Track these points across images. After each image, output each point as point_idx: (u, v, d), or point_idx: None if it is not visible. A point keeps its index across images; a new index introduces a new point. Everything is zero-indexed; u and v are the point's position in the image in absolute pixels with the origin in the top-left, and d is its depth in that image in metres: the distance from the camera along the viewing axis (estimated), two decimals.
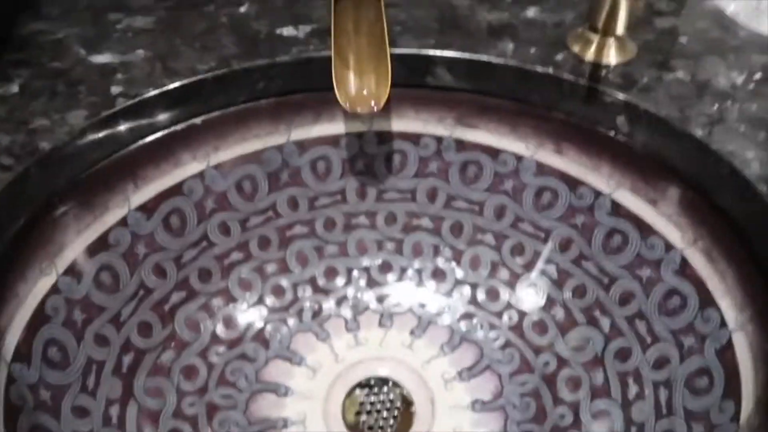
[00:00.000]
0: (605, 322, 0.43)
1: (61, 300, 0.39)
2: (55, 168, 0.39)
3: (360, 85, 0.39)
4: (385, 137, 0.48)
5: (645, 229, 0.42)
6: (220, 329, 0.46)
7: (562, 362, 0.44)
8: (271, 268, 0.48)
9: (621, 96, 0.40)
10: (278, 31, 0.47)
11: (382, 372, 0.46)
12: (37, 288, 0.38)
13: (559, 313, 0.46)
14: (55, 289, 0.39)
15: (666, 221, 0.41)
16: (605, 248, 0.44)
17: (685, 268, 0.40)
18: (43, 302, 0.38)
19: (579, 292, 0.45)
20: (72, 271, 0.40)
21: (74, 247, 0.40)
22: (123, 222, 0.43)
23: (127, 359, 0.42)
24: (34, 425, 0.34)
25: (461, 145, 0.47)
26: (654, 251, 0.42)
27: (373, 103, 0.38)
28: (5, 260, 0.35)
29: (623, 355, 0.42)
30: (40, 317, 0.37)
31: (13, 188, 0.36)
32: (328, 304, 0.49)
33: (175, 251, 0.45)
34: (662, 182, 0.41)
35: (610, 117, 0.42)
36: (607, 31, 0.42)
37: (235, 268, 0.47)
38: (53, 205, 0.39)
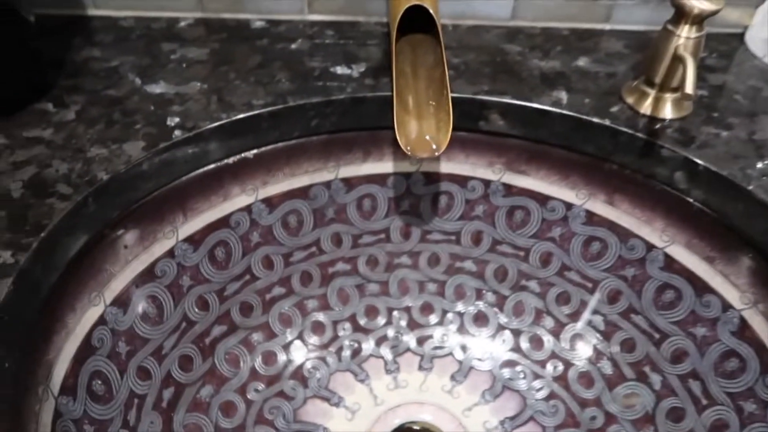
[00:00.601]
0: (656, 379, 0.43)
1: (107, 331, 0.38)
2: (111, 198, 0.38)
3: (421, 129, 0.39)
4: (432, 178, 0.48)
5: (700, 287, 0.41)
6: (259, 365, 0.45)
7: (610, 418, 0.43)
8: (312, 304, 0.48)
9: (680, 151, 0.40)
10: (332, 69, 0.47)
11: (422, 417, 0.45)
12: (85, 318, 0.37)
13: (607, 366, 0.45)
14: (102, 320, 0.38)
15: (723, 280, 0.40)
16: (656, 303, 0.43)
17: (744, 330, 0.39)
18: (90, 334, 0.37)
19: (628, 346, 0.44)
20: (119, 301, 0.39)
21: (122, 278, 0.40)
22: (170, 253, 0.42)
23: (168, 394, 0.41)
24: None
25: (509, 189, 0.47)
26: (710, 310, 0.41)
27: (434, 147, 0.38)
28: (58, 291, 0.35)
29: (676, 415, 0.41)
30: (86, 349, 0.37)
31: (71, 218, 0.36)
32: (368, 344, 0.48)
33: (218, 284, 0.45)
34: (721, 240, 0.40)
35: (667, 171, 0.41)
36: (665, 86, 0.42)
37: (276, 303, 0.47)
38: (106, 235, 0.39)
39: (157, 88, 0.45)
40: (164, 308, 0.42)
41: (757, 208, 0.38)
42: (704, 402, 0.40)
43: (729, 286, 0.40)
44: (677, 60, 0.40)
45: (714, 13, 0.38)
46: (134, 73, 0.47)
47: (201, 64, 0.48)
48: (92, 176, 0.38)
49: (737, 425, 0.38)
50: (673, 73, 0.41)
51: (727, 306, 0.40)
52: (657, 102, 0.43)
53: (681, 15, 0.39)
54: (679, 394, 0.41)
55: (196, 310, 0.44)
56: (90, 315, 0.38)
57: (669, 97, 0.42)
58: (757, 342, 0.38)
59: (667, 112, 0.43)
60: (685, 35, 0.39)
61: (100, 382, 0.37)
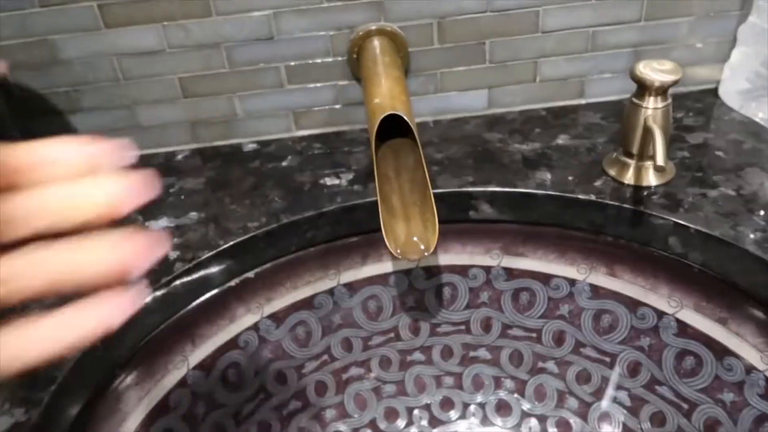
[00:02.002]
0: None
1: None
2: (117, 338, 0.40)
3: (408, 231, 0.40)
4: (433, 271, 0.48)
5: (719, 350, 0.40)
6: None
7: None
8: (329, 414, 0.47)
9: (669, 218, 0.40)
10: (321, 180, 0.49)
11: None
12: None
13: None
14: None
15: (740, 341, 0.39)
16: (678, 371, 0.42)
17: None
18: None
19: (658, 419, 0.43)
20: None
21: (136, 415, 0.40)
22: (182, 383, 0.43)
23: None
24: None
25: (510, 273, 0.47)
26: (733, 373, 0.39)
27: (423, 248, 0.39)
28: None
29: None
30: None
31: (79, 365, 0.37)
32: None
33: (233, 407, 0.45)
34: (727, 301, 0.39)
35: (660, 238, 0.41)
36: (643, 155, 0.43)
37: (294, 417, 0.46)
38: (116, 376, 0.39)
39: (158, 224, 0.47)
40: None
41: (756, 264, 0.37)
42: None
43: (747, 347, 0.39)
44: (648, 130, 0.41)
45: (674, 83, 0.40)
46: (136, 212, 0.49)
47: (198, 193, 0.50)
48: None
49: None
50: (647, 143, 0.42)
51: (749, 368, 0.39)
52: (639, 171, 0.43)
53: (643, 88, 0.41)
54: None
55: None
56: None
57: (650, 165, 0.43)
58: None
59: (651, 179, 0.43)
60: (651, 107, 0.41)
61: None
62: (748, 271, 0.38)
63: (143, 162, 0.55)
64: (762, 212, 0.39)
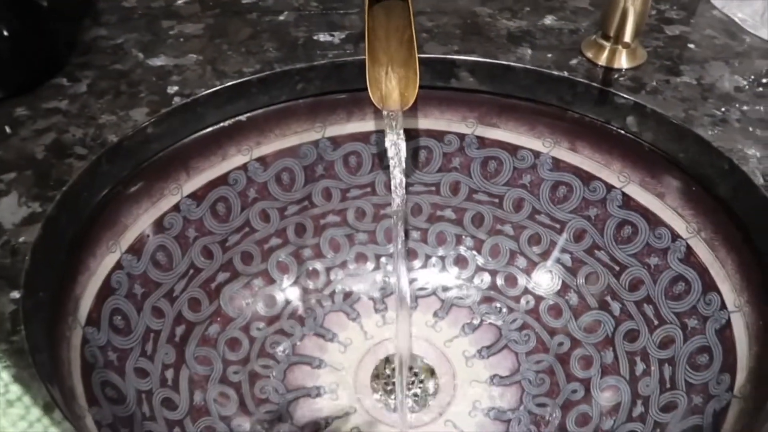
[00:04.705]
0: (616, 307, 0.47)
1: (124, 275, 0.44)
2: (121, 158, 0.44)
3: (391, 86, 0.43)
4: (411, 134, 0.52)
5: (653, 221, 0.45)
6: (260, 307, 0.51)
7: (575, 343, 0.48)
8: (306, 253, 0.53)
9: (630, 98, 0.44)
10: (315, 36, 0.51)
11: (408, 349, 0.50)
12: (104, 263, 0.43)
13: (573, 298, 0.49)
14: (119, 266, 0.44)
15: (672, 213, 0.44)
16: (616, 239, 0.48)
17: (689, 256, 0.43)
18: (109, 276, 0.43)
19: (592, 279, 0.49)
20: (133, 250, 0.45)
21: (135, 229, 0.45)
22: (176, 208, 0.48)
23: (180, 330, 0.46)
24: (104, 381, 0.39)
25: (482, 142, 0.51)
26: (661, 241, 0.45)
27: (402, 102, 0.42)
28: (80, 238, 0.40)
29: (632, 336, 0.46)
30: (107, 289, 0.42)
31: (87, 175, 0.41)
32: (358, 287, 0.53)
33: (221, 235, 0.50)
34: (667, 177, 0.44)
35: (620, 117, 0.45)
36: (618, 38, 0.45)
37: (274, 252, 0.52)
38: (118, 191, 0.44)
39: (158, 61, 0.50)
40: (173, 257, 0.47)
41: (697, 144, 0.42)
42: (655, 323, 0.44)
43: (677, 218, 0.44)
44: (625, 12, 0.43)
45: None
46: (137, 49, 0.51)
47: (197, 38, 0.52)
48: (104, 139, 0.43)
49: (681, 339, 0.42)
50: (623, 26, 0.44)
51: (675, 236, 0.44)
52: (612, 53, 0.46)
53: None
54: (635, 317, 0.46)
55: (202, 258, 0.49)
56: (108, 261, 0.43)
57: (623, 48, 0.46)
58: (700, 266, 0.43)
59: (623, 62, 0.46)
60: None
61: (120, 317, 0.43)
62: (689, 151, 0.43)
63: (143, 5, 0.56)
64: (713, 100, 0.43)
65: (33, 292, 0.36)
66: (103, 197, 0.43)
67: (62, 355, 0.37)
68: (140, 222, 0.46)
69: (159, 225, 0.47)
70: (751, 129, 0.42)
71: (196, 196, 0.49)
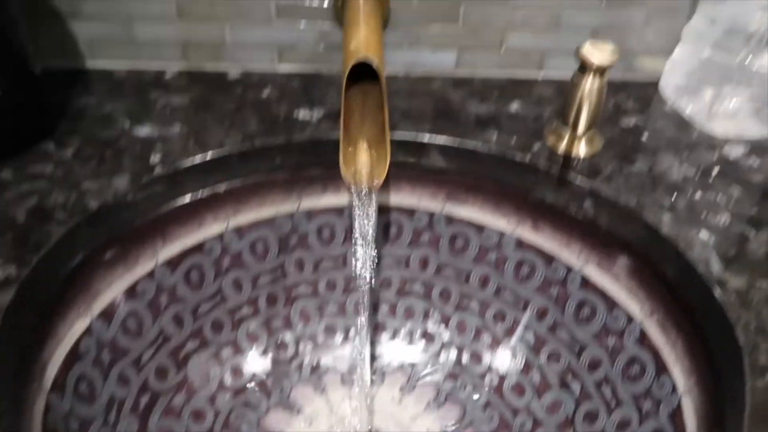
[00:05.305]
0: (576, 387, 0.48)
1: (92, 341, 0.44)
2: (100, 225, 0.45)
3: (363, 162, 0.46)
4: (383, 210, 0.54)
5: (610, 302, 0.47)
6: (227, 377, 0.51)
7: (537, 423, 0.48)
8: (276, 323, 0.54)
9: (587, 184, 0.47)
10: (295, 114, 0.54)
11: (374, 425, 0.50)
12: (74, 329, 0.43)
13: (536, 376, 0.50)
14: (88, 331, 0.44)
15: (627, 294, 0.46)
16: (576, 318, 0.49)
17: (644, 338, 0.45)
18: (78, 342, 0.43)
19: (554, 357, 0.50)
20: (104, 315, 0.45)
21: (108, 295, 0.46)
22: (150, 274, 0.49)
23: (144, 399, 0.46)
24: None
25: (450, 220, 0.54)
26: (618, 322, 0.47)
27: (374, 180, 0.45)
28: (53, 303, 0.41)
29: (591, 417, 0.46)
30: (74, 355, 0.42)
31: (64, 241, 0.42)
32: (326, 360, 0.53)
33: (192, 303, 0.51)
34: (621, 259, 0.46)
35: (578, 201, 0.48)
36: (576, 127, 0.49)
37: (244, 321, 0.53)
38: (94, 257, 0.45)
39: (143, 131, 0.52)
40: (144, 323, 0.48)
41: (647, 230, 0.44)
42: (613, 404, 0.45)
43: (632, 300, 0.46)
44: (581, 105, 0.47)
45: (610, 66, 0.45)
46: (124, 118, 0.54)
47: (182, 110, 0.55)
48: (84, 205, 0.45)
49: (637, 421, 0.43)
50: (579, 117, 0.48)
51: (630, 318, 0.46)
52: (571, 141, 0.50)
53: (585, 67, 0.46)
54: (594, 398, 0.47)
55: (172, 326, 0.50)
56: (79, 326, 0.44)
57: (581, 136, 0.49)
58: (653, 348, 0.44)
59: (581, 150, 0.50)
60: (588, 84, 0.47)
61: (85, 384, 0.43)
62: (640, 235, 0.45)
63: (133, 77, 0.59)
64: (663, 188, 0.46)
65: (1, 356, 0.36)
66: (79, 263, 0.43)
67: (26, 422, 0.37)
68: (113, 288, 0.46)
69: (132, 291, 0.47)
70: (697, 216, 0.45)
71: (171, 264, 0.50)
